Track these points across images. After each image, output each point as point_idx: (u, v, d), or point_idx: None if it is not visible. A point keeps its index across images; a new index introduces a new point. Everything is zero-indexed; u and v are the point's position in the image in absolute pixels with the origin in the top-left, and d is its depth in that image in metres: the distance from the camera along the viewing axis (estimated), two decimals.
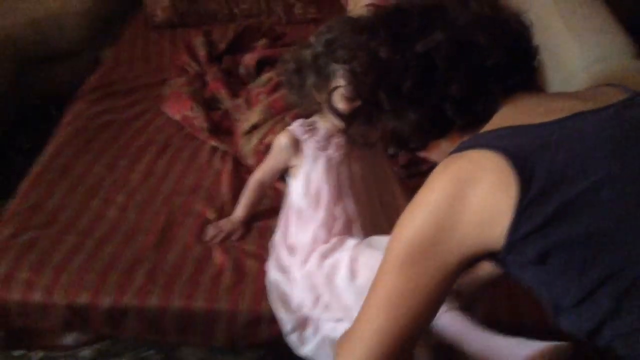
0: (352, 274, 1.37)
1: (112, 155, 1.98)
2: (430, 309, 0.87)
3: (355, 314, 1.33)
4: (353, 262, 1.39)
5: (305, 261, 1.47)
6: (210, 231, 1.63)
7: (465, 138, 0.89)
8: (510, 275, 0.87)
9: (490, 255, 0.83)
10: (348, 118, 1.18)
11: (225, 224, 1.65)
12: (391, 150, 1.95)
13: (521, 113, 0.87)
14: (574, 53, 1.84)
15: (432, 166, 1.94)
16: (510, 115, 0.87)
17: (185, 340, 1.54)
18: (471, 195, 0.80)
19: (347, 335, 0.95)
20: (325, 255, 1.44)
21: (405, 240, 0.85)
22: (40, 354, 1.91)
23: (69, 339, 1.65)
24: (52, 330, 1.58)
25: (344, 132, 1.40)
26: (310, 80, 1.37)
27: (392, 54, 0.90)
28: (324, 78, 1.35)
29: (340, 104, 1.34)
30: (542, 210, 0.76)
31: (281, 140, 1.50)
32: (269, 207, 1.71)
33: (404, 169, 1.92)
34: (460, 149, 0.85)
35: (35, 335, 1.63)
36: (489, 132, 0.86)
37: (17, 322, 1.51)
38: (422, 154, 1.03)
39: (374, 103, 0.94)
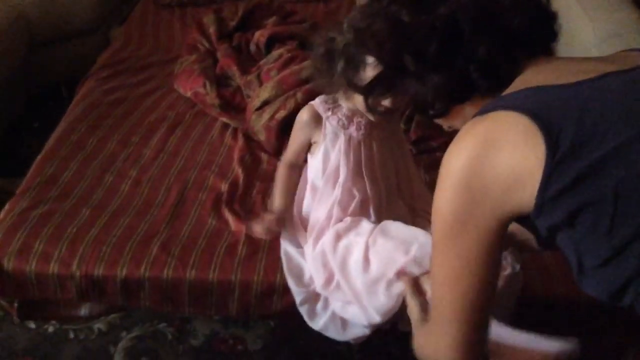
0: (365, 262, 1.39)
1: (125, 131, 1.99)
2: (489, 275, 0.87)
3: (365, 301, 1.37)
4: (367, 250, 1.39)
5: (318, 238, 1.48)
6: (257, 228, 1.54)
7: (488, 102, 0.89)
8: (542, 240, 0.87)
9: (523, 219, 0.84)
10: (368, 87, 1.17)
11: (271, 220, 1.53)
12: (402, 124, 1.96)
13: (546, 75, 0.86)
14: (586, 29, 1.84)
15: (442, 142, 1.97)
16: (535, 77, 0.86)
17: (199, 312, 1.56)
18: (498, 156, 0.79)
19: (426, 328, 0.99)
20: (339, 236, 1.45)
21: (442, 216, 0.86)
22: (55, 326, 1.95)
23: (83, 310, 1.67)
24: (67, 301, 1.60)
25: (367, 110, 1.39)
26: (340, 66, 1.32)
27: (416, 17, 0.90)
28: (354, 67, 1.30)
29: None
30: (571, 169, 0.76)
31: (303, 116, 1.49)
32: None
33: (414, 146, 1.93)
34: (484, 111, 0.84)
35: (50, 306, 1.66)
36: (513, 93, 0.85)
37: (33, 293, 1.53)
38: (442, 121, 1.03)
39: (397, 68, 0.93)
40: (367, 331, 1.43)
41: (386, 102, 1.29)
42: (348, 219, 1.47)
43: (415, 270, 1.32)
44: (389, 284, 1.34)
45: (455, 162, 0.83)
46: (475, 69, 0.89)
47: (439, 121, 1.03)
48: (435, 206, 0.87)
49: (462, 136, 0.85)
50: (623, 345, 1.55)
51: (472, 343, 0.91)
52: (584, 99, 0.79)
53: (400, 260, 1.33)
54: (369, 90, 1.18)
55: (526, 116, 0.78)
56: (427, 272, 1.30)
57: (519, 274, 1.33)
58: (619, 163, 0.76)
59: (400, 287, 1.33)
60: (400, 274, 1.33)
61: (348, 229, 1.46)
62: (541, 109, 0.79)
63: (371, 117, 1.41)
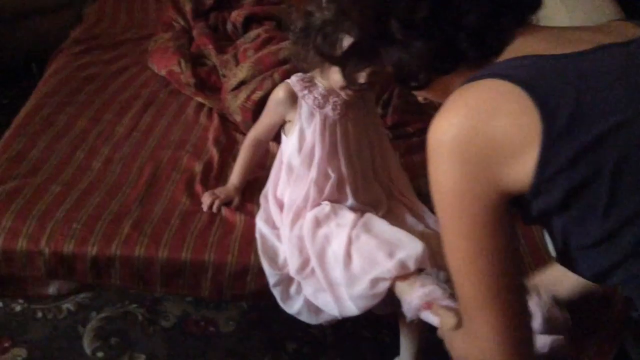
0: (347, 256, 1.38)
1: (97, 108, 1.96)
2: (506, 251, 0.82)
3: (342, 293, 1.36)
4: (349, 244, 1.39)
5: (295, 219, 1.47)
6: (206, 199, 1.59)
7: (474, 73, 0.84)
8: (531, 221, 0.84)
9: (516, 203, 0.80)
10: (344, 56, 1.14)
11: (221, 191, 1.61)
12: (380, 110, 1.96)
13: (537, 44, 0.82)
14: (561, 15, 1.85)
15: (419, 128, 1.97)
16: (526, 46, 0.83)
17: (171, 291, 1.54)
18: (493, 125, 0.75)
19: (462, 332, 0.92)
20: (319, 222, 1.44)
21: (441, 194, 0.82)
22: (22, 305, 1.91)
23: (51, 288, 1.64)
24: (36, 278, 1.57)
25: (342, 87, 1.37)
26: (317, 42, 1.31)
27: None
28: (330, 43, 1.28)
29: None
30: (569, 146, 0.73)
31: (279, 93, 1.47)
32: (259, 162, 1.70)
33: (390, 131, 1.93)
34: (473, 78, 0.80)
35: (18, 284, 1.62)
36: (505, 62, 0.81)
37: (0, 270, 1.50)
38: (421, 93, 0.98)
39: (379, 35, 0.88)
40: (337, 315, 1.43)
41: (361, 79, 1.28)
42: (327, 205, 1.46)
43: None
44: (374, 283, 1.33)
45: (447, 132, 0.78)
46: (464, 37, 0.84)
47: (418, 93, 0.99)
48: (433, 184, 0.83)
49: (451, 104, 0.80)
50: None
51: (514, 328, 0.83)
52: (582, 72, 0.76)
53: (384, 263, 1.33)
54: (345, 60, 1.11)
55: (520, 87, 0.75)
56: None
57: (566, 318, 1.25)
58: (618, 140, 0.73)
59: (384, 286, 1.33)
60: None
61: (328, 217, 1.45)
62: (536, 80, 0.75)
63: (345, 96, 1.40)
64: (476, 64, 0.85)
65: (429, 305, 1.26)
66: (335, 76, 1.37)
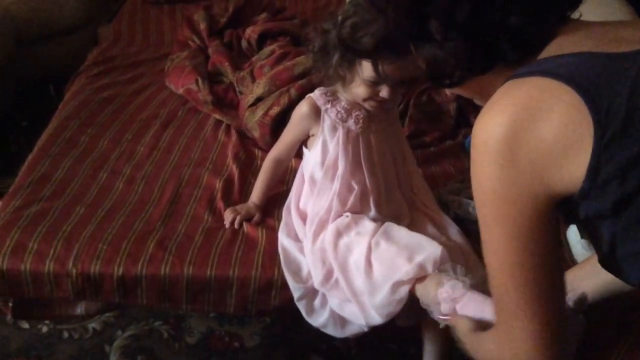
0: (367, 265, 1.38)
1: (117, 129, 1.98)
2: (552, 256, 0.80)
3: (365, 302, 1.36)
4: (369, 252, 1.39)
5: (318, 232, 1.48)
6: (228, 215, 1.61)
7: (512, 71, 0.81)
8: (576, 223, 0.82)
9: (562, 203, 0.77)
10: (375, 49, 1.10)
11: (242, 208, 1.62)
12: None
13: (581, 41, 0.78)
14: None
15: (437, 137, 1.98)
16: (569, 43, 0.79)
17: (197, 308, 1.55)
18: (543, 125, 0.72)
19: (493, 335, 0.91)
20: (340, 233, 1.45)
21: (485, 194, 0.79)
22: (49, 326, 1.93)
23: (79, 309, 1.66)
24: (63, 300, 1.59)
25: (365, 99, 1.38)
26: (335, 59, 1.34)
27: None
28: (350, 61, 1.33)
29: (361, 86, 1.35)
30: (622, 152, 0.70)
31: (302, 108, 1.48)
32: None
33: (407, 140, 1.93)
34: (517, 75, 0.77)
35: (46, 305, 1.64)
36: (551, 58, 0.78)
37: (28, 292, 1.51)
38: (457, 91, 0.96)
39: (418, 33, 0.85)
40: (365, 328, 1.43)
41: (384, 93, 1.30)
42: (349, 215, 1.47)
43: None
44: (394, 288, 1.33)
45: (493, 132, 0.75)
46: (505, 38, 0.81)
47: (452, 90, 0.96)
48: (476, 185, 0.80)
49: (497, 103, 0.77)
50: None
51: (552, 331, 0.81)
52: (636, 74, 0.71)
53: (404, 266, 1.33)
54: (376, 53, 1.10)
55: (571, 87, 0.72)
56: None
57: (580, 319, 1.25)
58: None
59: (404, 291, 1.33)
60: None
61: (349, 227, 1.45)
62: (586, 80, 0.72)
63: (369, 108, 1.42)
64: (515, 62, 0.82)
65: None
66: (358, 90, 1.38)
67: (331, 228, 1.46)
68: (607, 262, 0.82)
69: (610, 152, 0.70)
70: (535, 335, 0.80)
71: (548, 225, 0.78)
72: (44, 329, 1.94)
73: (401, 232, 1.43)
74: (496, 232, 0.80)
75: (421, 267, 1.32)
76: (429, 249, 1.35)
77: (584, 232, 0.84)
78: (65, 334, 1.93)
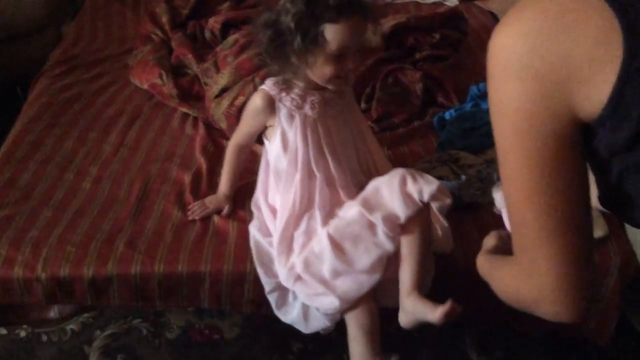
0: (335, 248, 1.38)
1: (82, 128, 1.96)
2: (575, 185, 0.74)
3: (341, 283, 1.37)
4: (330, 238, 1.39)
5: (287, 250, 1.45)
6: (196, 209, 1.61)
7: None
8: (591, 160, 0.76)
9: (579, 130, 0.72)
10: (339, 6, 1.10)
11: (211, 200, 1.62)
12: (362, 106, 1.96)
13: None
14: None
15: (404, 118, 1.97)
16: None
17: (171, 305, 1.55)
18: (572, 39, 0.66)
19: (510, 269, 0.85)
20: (304, 244, 1.44)
21: (505, 116, 0.72)
22: (27, 330, 1.92)
23: (52, 312, 1.65)
24: (36, 304, 1.58)
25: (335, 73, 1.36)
26: (297, 42, 1.29)
27: None
28: (312, 40, 1.29)
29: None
30: None
31: (256, 101, 1.45)
32: (245, 167, 1.70)
33: (375, 124, 1.93)
34: None
35: (19, 310, 1.63)
36: None
37: (0, 299, 1.50)
38: None
39: None
40: (327, 323, 1.45)
41: (350, 64, 1.33)
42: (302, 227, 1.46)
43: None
44: (373, 229, 1.37)
45: (517, 44, 0.68)
46: None
47: None
48: (494, 110, 0.74)
49: (522, 11, 0.69)
50: None
51: (576, 266, 0.75)
52: None
53: (370, 218, 1.37)
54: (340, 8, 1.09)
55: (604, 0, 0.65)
56: None
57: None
58: None
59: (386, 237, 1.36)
60: None
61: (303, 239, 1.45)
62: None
63: (333, 87, 1.41)
64: None
65: None
66: (325, 70, 1.34)
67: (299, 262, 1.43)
68: (610, 200, 0.78)
69: (636, 79, 0.64)
70: (560, 270, 0.75)
71: (570, 154, 0.72)
72: (22, 334, 1.92)
73: (345, 207, 1.45)
74: (515, 157, 0.74)
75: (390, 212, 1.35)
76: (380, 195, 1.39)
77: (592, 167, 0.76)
78: (44, 338, 1.91)
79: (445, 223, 1.49)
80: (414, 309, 1.33)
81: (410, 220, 1.35)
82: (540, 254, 0.75)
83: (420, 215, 1.37)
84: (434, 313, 1.27)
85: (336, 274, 1.39)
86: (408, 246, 1.37)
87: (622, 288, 1.49)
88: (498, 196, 1.43)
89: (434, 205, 1.42)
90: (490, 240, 1.13)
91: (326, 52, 1.31)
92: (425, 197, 1.35)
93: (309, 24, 1.28)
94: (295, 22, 1.27)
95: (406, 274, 1.37)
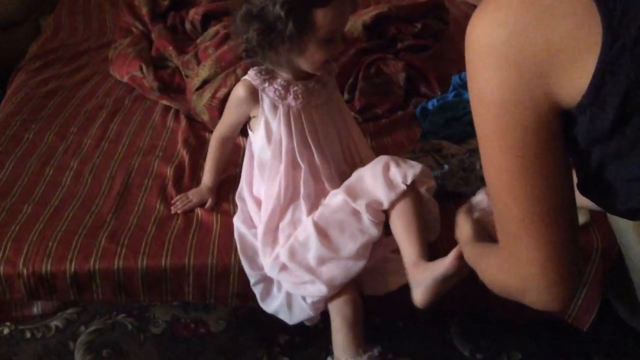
0: (321, 236, 1.39)
1: (62, 122, 1.94)
2: (558, 174, 0.73)
3: (327, 269, 1.37)
4: (316, 226, 1.40)
5: (272, 242, 1.46)
6: (179, 203, 1.60)
7: None
8: (571, 149, 0.75)
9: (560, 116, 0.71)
10: None
11: (194, 194, 1.61)
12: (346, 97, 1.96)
13: None
14: None
15: (387, 109, 1.97)
16: None
17: (155, 300, 1.54)
18: (552, 25, 0.64)
19: (495, 258, 0.84)
20: (289, 234, 1.44)
21: (484, 105, 0.72)
22: (9, 327, 1.90)
23: (35, 309, 1.63)
24: (18, 301, 1.56)
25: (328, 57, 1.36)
26: (290, 29, 1.27)
27: None
28: (303, 26, 1.27)
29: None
30: (631, 68, 0.62)
31: (239, 91, 1.44)
32: (229, 159, 1.69)
33: (359, 114, 1.93)
34: None
35: (1, 308, 1.61)
36: None
37: None
38: None
39: None
40: (311, 313, 1.45)
41: (339, 47, 1.34)
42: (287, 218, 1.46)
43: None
44: (357, 216, 1.38)
45: (494, 32, 0.67)
46: None
47: None
48: (473, 98, 0.73)
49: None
50: None
51: (561, 254, 0.75)
52: None
53: (355, 205, 1.38)
54: None
55: None
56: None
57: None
58: None
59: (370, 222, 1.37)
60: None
61: (289, 229, 1.45)
62: None
63: (322, 73, 1.42)
64: None
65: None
66: (316, 55, 1.33)
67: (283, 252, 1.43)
68: (590, 187, 0.77)
69: (616, 66, 0.63)
70: (543, 257, 0.74)
71: (551, 142, 0.71)
72: (5, 331, 1.90)
73: (330, 196, 1.45)
74: (496, 146, 0.73)
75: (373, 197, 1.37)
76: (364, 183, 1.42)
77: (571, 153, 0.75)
78: (28, 334, 1.89)
79: (436, 207, 1.50)
80: (424, 275, 1.27)
81: (396, 202, 1.38)
82: (525, 243, 0.75)
83: (406, 196, 1.38)
84: (445, 262, 1.21)
85: (322, 260, 1.39)
86: (400, 225, 1.38)
87: (603, 273, 1.51)
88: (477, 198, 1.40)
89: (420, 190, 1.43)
90: (467, 226, 1.09)
91: (317, 37, 1.30)
92: (409, 180, 1.37)
93: (299, 11, 1.26)
94: (285, 10, 1.25)
95: (406, 249, 1.36)
